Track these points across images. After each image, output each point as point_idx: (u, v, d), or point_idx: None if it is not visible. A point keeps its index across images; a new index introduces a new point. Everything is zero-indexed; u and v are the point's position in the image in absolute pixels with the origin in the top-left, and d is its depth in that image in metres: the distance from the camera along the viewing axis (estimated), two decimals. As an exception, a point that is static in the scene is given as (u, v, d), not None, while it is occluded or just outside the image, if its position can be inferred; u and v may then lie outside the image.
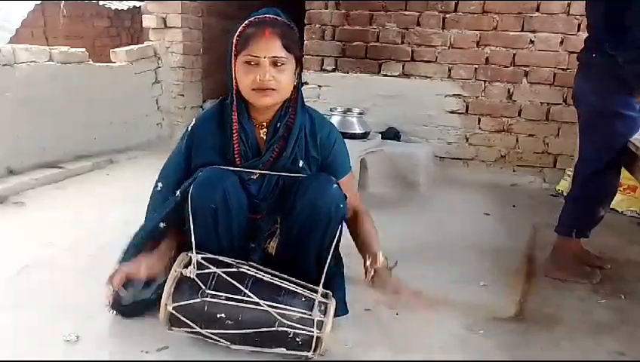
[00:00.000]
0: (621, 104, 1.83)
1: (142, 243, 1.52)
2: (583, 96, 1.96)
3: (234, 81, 1.44)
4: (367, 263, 1.42)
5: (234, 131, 1.48)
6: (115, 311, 1.56)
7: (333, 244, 1.45)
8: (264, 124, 1.50)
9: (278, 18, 1.43)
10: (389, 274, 1.42)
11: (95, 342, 1.46)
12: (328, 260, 1.42)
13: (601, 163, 1.91)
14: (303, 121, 1.52)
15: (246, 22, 1.42)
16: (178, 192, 1.48)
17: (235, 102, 1.47)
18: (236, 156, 1.49)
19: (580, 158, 2.02)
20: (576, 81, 2.00)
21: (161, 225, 1.51)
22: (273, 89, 1.40)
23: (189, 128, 1.56)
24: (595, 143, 1.93)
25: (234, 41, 1.42)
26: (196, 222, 1.41)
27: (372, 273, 1.40)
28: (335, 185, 1.47)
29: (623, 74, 1.74)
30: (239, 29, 1.41)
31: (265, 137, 1.51)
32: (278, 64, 1.40)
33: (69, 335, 1.47)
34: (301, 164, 1.52)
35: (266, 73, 1.38)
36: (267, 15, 1.43)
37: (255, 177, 1.50)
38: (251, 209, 1.50)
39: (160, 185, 1.57)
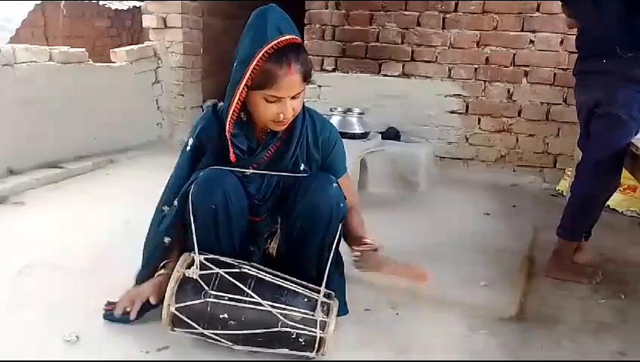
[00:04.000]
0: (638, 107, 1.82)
1: (151, 262, 1.54)
2: (599, 104, 1.89)
3: (239, 100, 1.37)
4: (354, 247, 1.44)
5: (229, 146, 1.45)
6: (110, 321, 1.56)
7: (334, 244, 1.45)
8: (267, 130, 1.49)
9: (293, 40, 1.35)
10: (374, 255, 1.43)
11: (95, 342, 1.46)
12: (330, 260, 1.42)
13: (610, 164, 1.91)
14: (304, 125, 1.52)
15: (263, 53, 1.30)
16: (175, 201, 1.48)
17: (232, 113, 1.40)
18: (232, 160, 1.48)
19: (588, 161, 1.98)
20: (586, 90, 1.95)
21: (166, 240, 1.51)
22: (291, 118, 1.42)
23: (190, 145, 1.53)
24: (609, 148, 1.89)
25: (249, 72, 1.32)
26: (196, 223, 1.41)
27: (358, 255, 1.42)
28: (335, 185, 1.47)
29: None
30: (257, 61, 1.31)
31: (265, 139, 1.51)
32: (297, 96, 1.39)
33: (69, 335, 1.46)
34: (302, 167, 1.52)
35: (288, 110, 1.38)
36: (282, 39, 1.32)
37: (249, 173, 1.48)
38: (251, 211, 1.50)
39: (166, 208, 1.53)
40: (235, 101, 1.37)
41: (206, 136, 1.52)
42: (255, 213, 1.52)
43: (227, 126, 1.42)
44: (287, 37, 1.34)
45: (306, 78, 1.39)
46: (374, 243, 1.44)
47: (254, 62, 1.31)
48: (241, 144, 1.45)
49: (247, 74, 1.32)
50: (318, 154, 1.55)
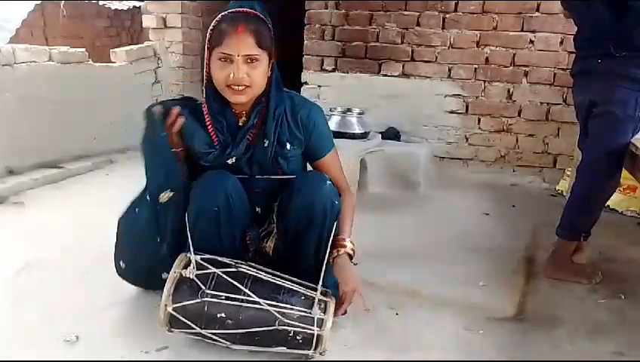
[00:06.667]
0: (636, 107, 1.82)
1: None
2: (596, 104, 1.89)
3: (206, 73, 1.45)
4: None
5: (208, 123, 1.49)
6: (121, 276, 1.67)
7: (330, 241, 1.45)
8: (244, 112, 1.51)
9: (252, 11, 1.42)
10: (346, 263, 1.47)
11: (95, 342, 1.46)
12: (326, 258, 1.43)
13: (609, 163, 1.91)
14: (280, 106, 1.51)
15: (220, 16, 1.41)
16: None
17: (206, 94, 1.47)
18: (217, 146, 1.49)
19: (587, 160, 1.97)
20: (583, 90, 1.96)
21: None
22: (247, 86, 1.41)
23: None
24: (607, 147, 1.89)
25: (208, 34, 1.41)
26: (198, 225, 1.42)
27: (333, 258, 1.44)
28: (329, 182, 1.48)
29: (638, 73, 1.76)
30: (214, 23, 1.41)
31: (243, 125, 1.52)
32: (252, 61, 1.40)
33: (69, 335, 1.46)
34: (289, 146, 1.52)
35: (239, 71, 1.39)
36: (242, 9, 1.41)
37: (231, 162, 1.49)
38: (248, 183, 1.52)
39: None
40: (205, 64, 1.44)
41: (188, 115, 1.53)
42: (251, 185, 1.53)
43: (203, 89, 1.46)
44: (247, 10, 1.42)
45: (262, 44, 1.41)
46: (347, 248, 1.48)
47: (212, 24, 1.41)
48: (219, 115, 1.48)
49: (207, 36, 1.41)
50: (300, 134, 1.54)
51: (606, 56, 1.82)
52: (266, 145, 1.49)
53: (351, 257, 1.50)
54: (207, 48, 1.42)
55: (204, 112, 1.48)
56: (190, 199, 1.44)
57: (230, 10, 1.41)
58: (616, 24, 1.79)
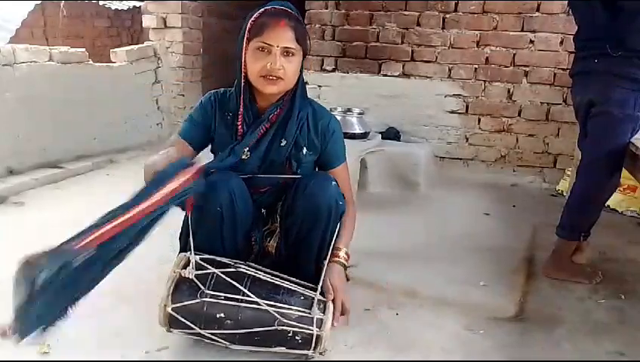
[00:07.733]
0: (634, 106, 1.82)
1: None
2: (594, 104, 1.89)
3: (243, 65, 1.46)
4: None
5: (239, 114, 1.51)
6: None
7: (333, 242, 1.46)
8: (267, 109, 1.52)
9: (291, 11, 1.47)
10: (340, 272, 1.45)
11: (94, 342, 1.46)
12: (327, 258, 1.44)
13: (609, 163, 1.91)
14: (303, 110, 1.54)
15: (262, 9, 1.45)
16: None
17: (242, 86, 1.49)
18: (239, 138, 1.51)
19: (587, 160, 1.98)
20: (582, 90, 1.96)
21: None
22: (281, 78, 1.43)
23: (202, 101, 1.59)
24: (606, 147, 1.89)
25: (248, 26, 1.44)
26: (201, 225, 1.42)
27: (325, 266, 1.43)
28: (334, 183, 1.48)
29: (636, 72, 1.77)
30: (255, 16, 1.44)
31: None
32: (289, 54, 1.43)
33: (69, 335, 1.46)
34: (304, 151, 1.53)
35: (276, 61, 1.41)
36: (282, 7, 1.46)
37: (246, 158, 1.49)
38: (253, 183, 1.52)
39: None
40: (242, 55, 1.45)
41: (215, 103, 1.57)
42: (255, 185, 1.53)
43: (241, 83, 1.47)
44: (287, 8, 1.45)
45: (300, 40, 1.44)
46: (340, 259, 1.47)
47: (253, 17, 1.44)
48: (249, 109, 1.50)
49: (247, 26, 1.44)
50: (318, 141, 1.56)
51: (603, 56, 1.82)
52: (283, 144, 1.51)
53: (345, 267, 1.50)
54: (246, 39, 1.44)
55: (240, 104, 1.50)
56: (193, 198, 1.43)
57: (272, 7, 1.46)
58: (612, 24, 1.79)
